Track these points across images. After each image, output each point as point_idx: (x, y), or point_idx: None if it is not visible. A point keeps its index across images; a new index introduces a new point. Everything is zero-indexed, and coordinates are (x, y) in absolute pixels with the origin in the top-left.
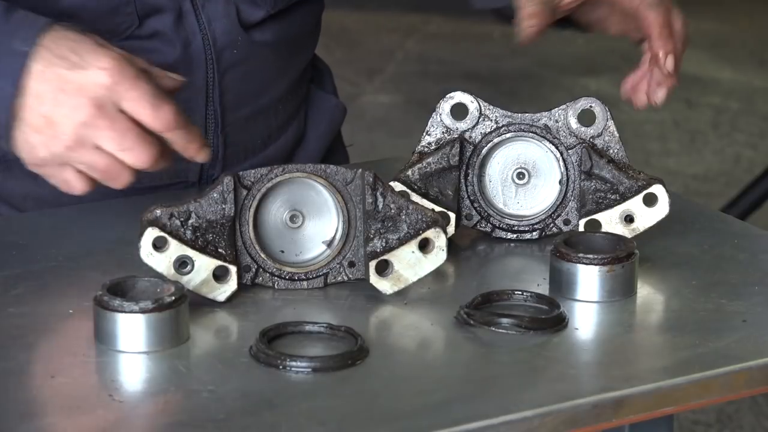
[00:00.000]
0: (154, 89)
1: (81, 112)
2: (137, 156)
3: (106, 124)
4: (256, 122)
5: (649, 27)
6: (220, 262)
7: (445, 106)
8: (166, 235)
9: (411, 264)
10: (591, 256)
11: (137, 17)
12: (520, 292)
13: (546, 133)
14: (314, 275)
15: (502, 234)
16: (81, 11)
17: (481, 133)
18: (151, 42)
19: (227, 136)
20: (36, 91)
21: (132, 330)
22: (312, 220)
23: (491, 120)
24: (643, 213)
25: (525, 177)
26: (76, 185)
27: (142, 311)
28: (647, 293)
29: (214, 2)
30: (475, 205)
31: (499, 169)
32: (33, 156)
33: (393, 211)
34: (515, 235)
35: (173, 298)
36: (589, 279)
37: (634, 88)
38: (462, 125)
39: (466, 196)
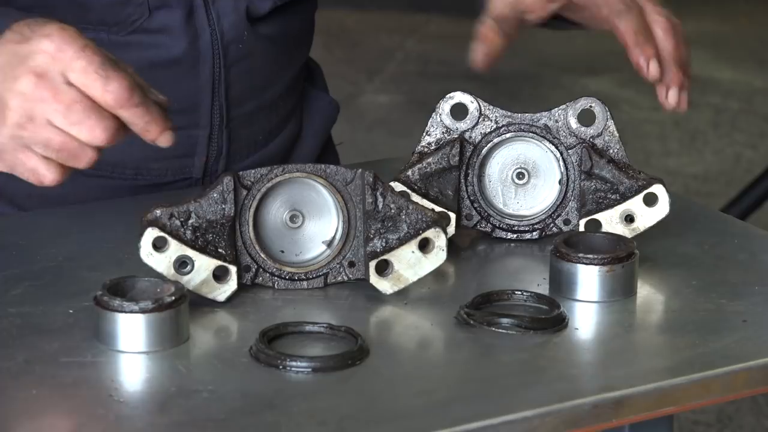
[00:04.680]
0: (105, 59)
1: (23, 82)
2: (89, 131)
3: (49, 96)
4: (259, 117)
5: (622, 37)
6: (220, 262)
7: (445, 106)
8: (166, 235)
9: (411, 264)
10: (591, 256)
11: (148, 8)
12: (520, 292)
13: (546, 133)
14: (314, 275)
15: (502, 234)
16: (92, 0)
17: (481, 133)
18: (158, 36)
19: (231, 131)
20: None
21: (132, 330)
22: (312, 220)
23: (491, 120)
24: (644, 213)
25: (525, 177)
26: (44, 173)
27: (142, 311)
28: (647, 293)
29: None
30: (475, 205)
31: (499, 169)
32: None
33: (393, 211)
34: (515, 235)
35: (173, 298)
36: (589, 279)
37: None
38: (462, 125)
39: (466, 196)
